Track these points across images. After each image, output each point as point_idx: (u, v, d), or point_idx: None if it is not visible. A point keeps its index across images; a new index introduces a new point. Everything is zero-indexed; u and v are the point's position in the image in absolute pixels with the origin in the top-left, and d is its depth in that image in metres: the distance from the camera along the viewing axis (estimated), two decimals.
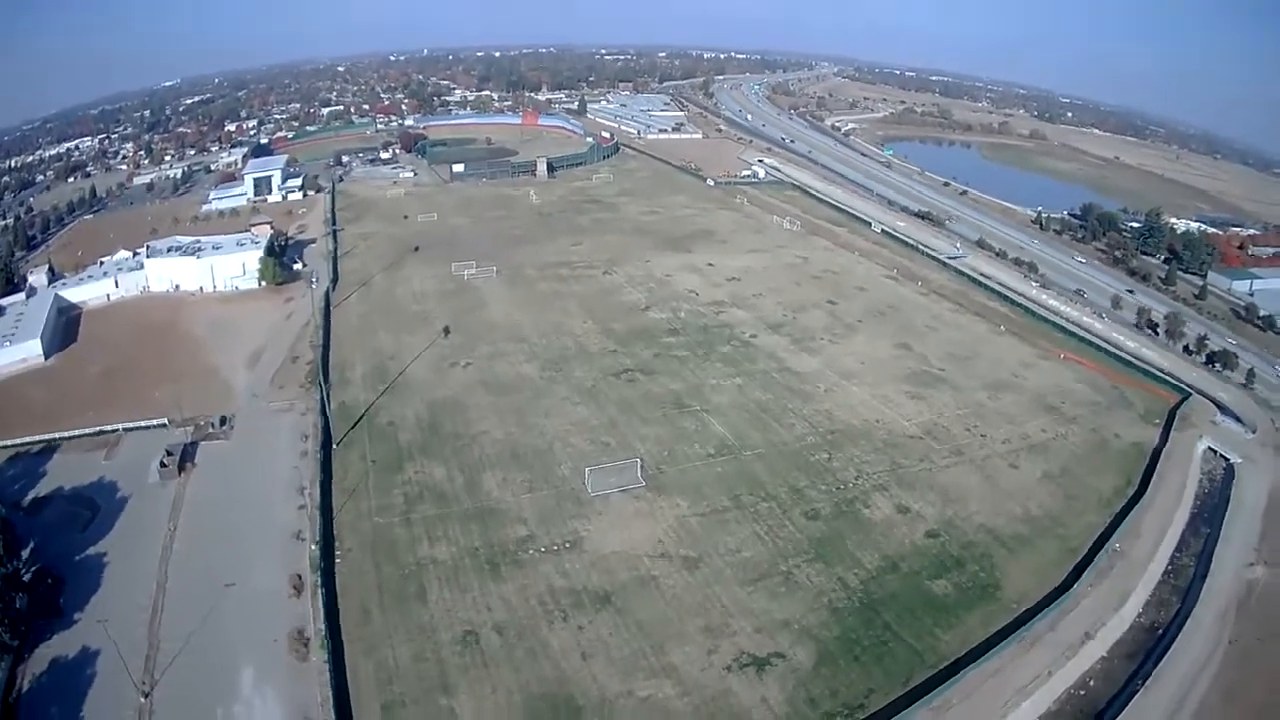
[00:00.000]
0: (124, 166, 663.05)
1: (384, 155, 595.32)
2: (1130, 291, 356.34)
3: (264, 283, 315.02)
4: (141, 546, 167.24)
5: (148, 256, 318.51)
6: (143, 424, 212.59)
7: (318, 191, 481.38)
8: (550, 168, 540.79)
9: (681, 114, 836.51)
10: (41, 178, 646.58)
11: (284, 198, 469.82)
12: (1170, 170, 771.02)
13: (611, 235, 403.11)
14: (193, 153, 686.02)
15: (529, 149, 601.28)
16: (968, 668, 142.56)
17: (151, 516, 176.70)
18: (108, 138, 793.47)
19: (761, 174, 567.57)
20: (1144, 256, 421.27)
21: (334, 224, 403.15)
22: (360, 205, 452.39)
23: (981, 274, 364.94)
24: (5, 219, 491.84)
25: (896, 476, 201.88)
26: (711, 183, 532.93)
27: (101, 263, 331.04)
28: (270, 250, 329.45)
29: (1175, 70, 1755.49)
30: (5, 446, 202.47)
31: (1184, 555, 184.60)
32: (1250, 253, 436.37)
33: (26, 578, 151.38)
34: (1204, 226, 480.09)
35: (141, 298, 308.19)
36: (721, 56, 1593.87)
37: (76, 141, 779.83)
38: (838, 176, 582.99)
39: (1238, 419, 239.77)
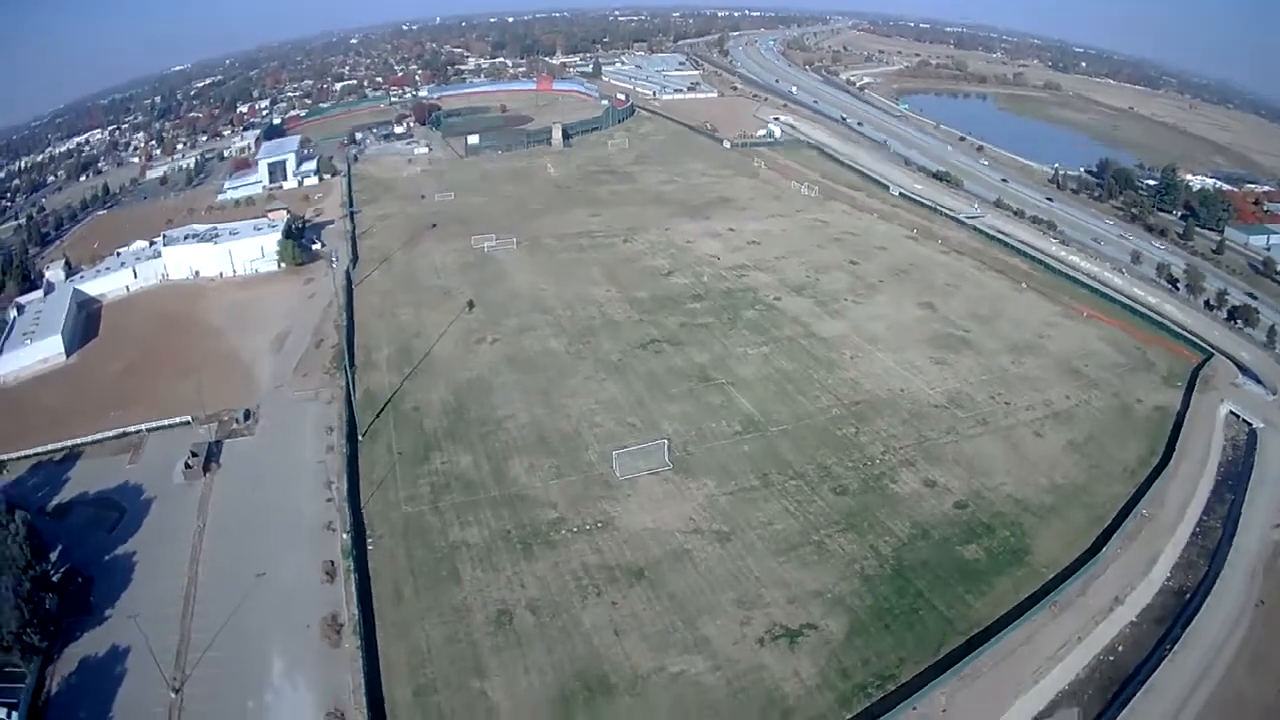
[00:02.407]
0: (136, 160, 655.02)
1: (398, 130, 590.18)
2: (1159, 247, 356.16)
3: (283, 264, 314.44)
4: (170, 544, 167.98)
5: (165, 245, 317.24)
6: (166, 423, 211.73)
7: (333, 175, 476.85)
8: (565, 135, 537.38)
9: (697, 73, 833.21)
10: (53, 178, 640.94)
11: (299, 183, 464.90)
12: (1184, 121, 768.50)
13: (630, 205, 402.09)
14: (205, 138, 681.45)
15: (544, 115, 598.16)
16: (998, 635, 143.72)
17: (179, 516, 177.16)
18: (118, 128, 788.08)
19: (778, 133, 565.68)
20: (1161, 213, 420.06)
21: (351, 206, 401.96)
22: (377, 186, 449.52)
23: (1001, 232, 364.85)
24: (19, 219, 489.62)
25: (923, 450, 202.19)
26: (728, 144, 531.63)
27: (119, 253, 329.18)
28: (288, 232, 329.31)
29: (1186, 19, 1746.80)
30: (26, 456, 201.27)
31: (1211, 519, 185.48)
32: (1266, 209, 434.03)
33: (56, 578, 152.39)
34: (1219, 183, 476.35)
35: (161, 286, 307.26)
36: (736, 14, 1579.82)
37: (86, 135, 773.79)
38: (853, 133, 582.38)
39: (1259, 380, 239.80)
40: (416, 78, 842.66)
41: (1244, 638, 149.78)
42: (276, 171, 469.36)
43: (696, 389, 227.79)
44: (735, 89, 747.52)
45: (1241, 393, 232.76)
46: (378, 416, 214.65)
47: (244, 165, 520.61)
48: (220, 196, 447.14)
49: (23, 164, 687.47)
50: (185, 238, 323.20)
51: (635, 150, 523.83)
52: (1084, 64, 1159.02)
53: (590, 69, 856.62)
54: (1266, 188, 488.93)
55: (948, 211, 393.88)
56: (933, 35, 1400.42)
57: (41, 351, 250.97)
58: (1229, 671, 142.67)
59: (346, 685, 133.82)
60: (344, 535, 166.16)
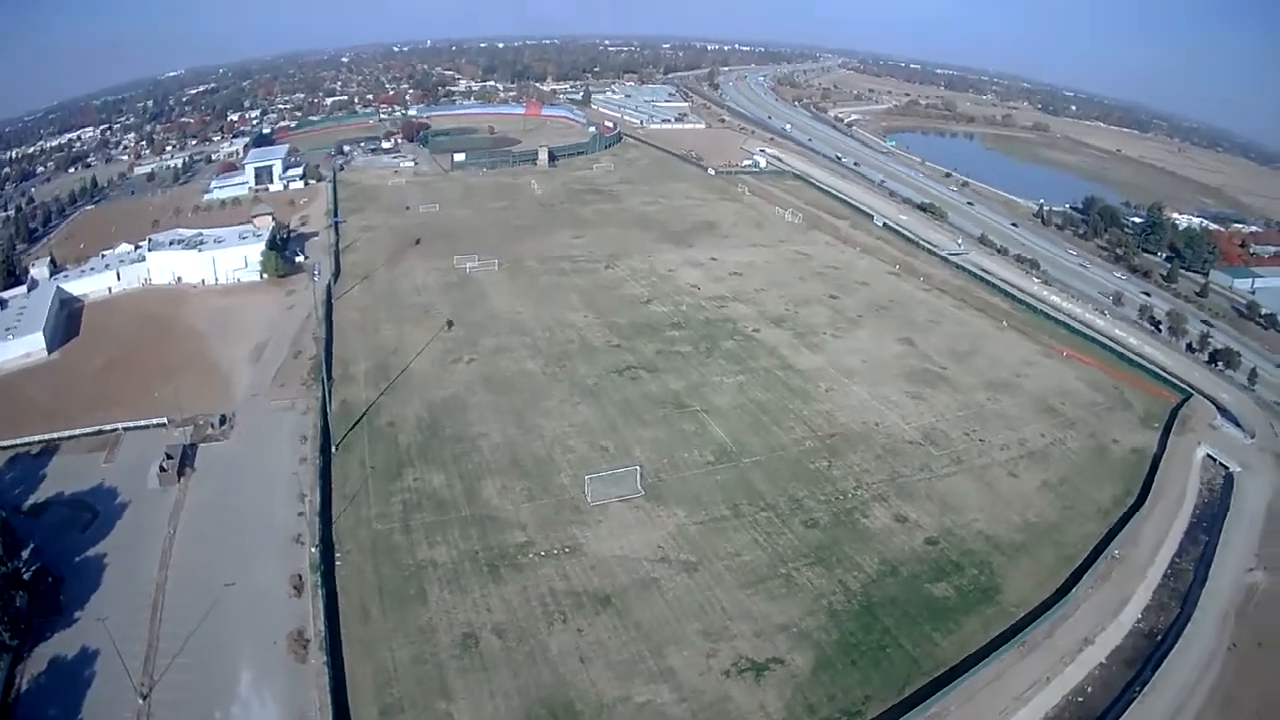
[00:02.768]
0: (125, 157, 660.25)
1: (385, 145, 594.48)
2: (1146, 294, 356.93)
3: (265, 275, 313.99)
4: (141, 548, 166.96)
5: (150, 250, 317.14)
6: (143, 423, 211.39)
7: (319, 180, 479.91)
8: (552, 157, 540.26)
9: (685, 105, 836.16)
10: (42, 169, 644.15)
11: (285, 187, 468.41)
12: (1172, 163, 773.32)
13: (613, 227, 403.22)
14: (194, 142, 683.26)
15: (532, 138, 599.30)
16: (966, 674, 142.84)
17: (151, 520, 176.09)
18: (109, 128, 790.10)
19: (763, 163, 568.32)
20: (1145, 254, 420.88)
21: (336, 215, 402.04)
22: (362, 195, 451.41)
23: (983, 270, 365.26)
24: (6, 210, 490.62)
25: (896, 486, 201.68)
26: (712, 171, 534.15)
27: (103, 255, 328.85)
28: (272, 243, 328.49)
29: (1177, 66, 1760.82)
30: (5, 447, 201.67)
31: (1183, 561, 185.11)
32: (1252, 251, 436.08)
33: (26, 576, 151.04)
34: (1206, 222, 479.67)
35: (143, 290, 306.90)
36: (726, 48, 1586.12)
37: (78, 132, 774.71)
38: (839, 166, 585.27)
39: (1237, 423, 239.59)
40: (407, 97, 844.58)
41: (1215, 681, 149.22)
42: (263, 174, 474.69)
43: (670, 415, 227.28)
44: (723, 121, 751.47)
45: (1219, 435, 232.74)
46: (352, 429, 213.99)
47: (231, 168, 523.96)
48: (206, 196, 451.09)
49: (13, 155, 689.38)
50: (171, 243, 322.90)
51: (620, 174, 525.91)
52: (1073, 107, 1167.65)
53: (580, 96, 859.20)
54: (1253, 228, 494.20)
55: (931, 247, 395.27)
56: (923, 76, 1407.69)
57: (23, 347, 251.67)
58: (1200, 715, 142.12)
59: (313, 702, 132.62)
60: (313, 549, 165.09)
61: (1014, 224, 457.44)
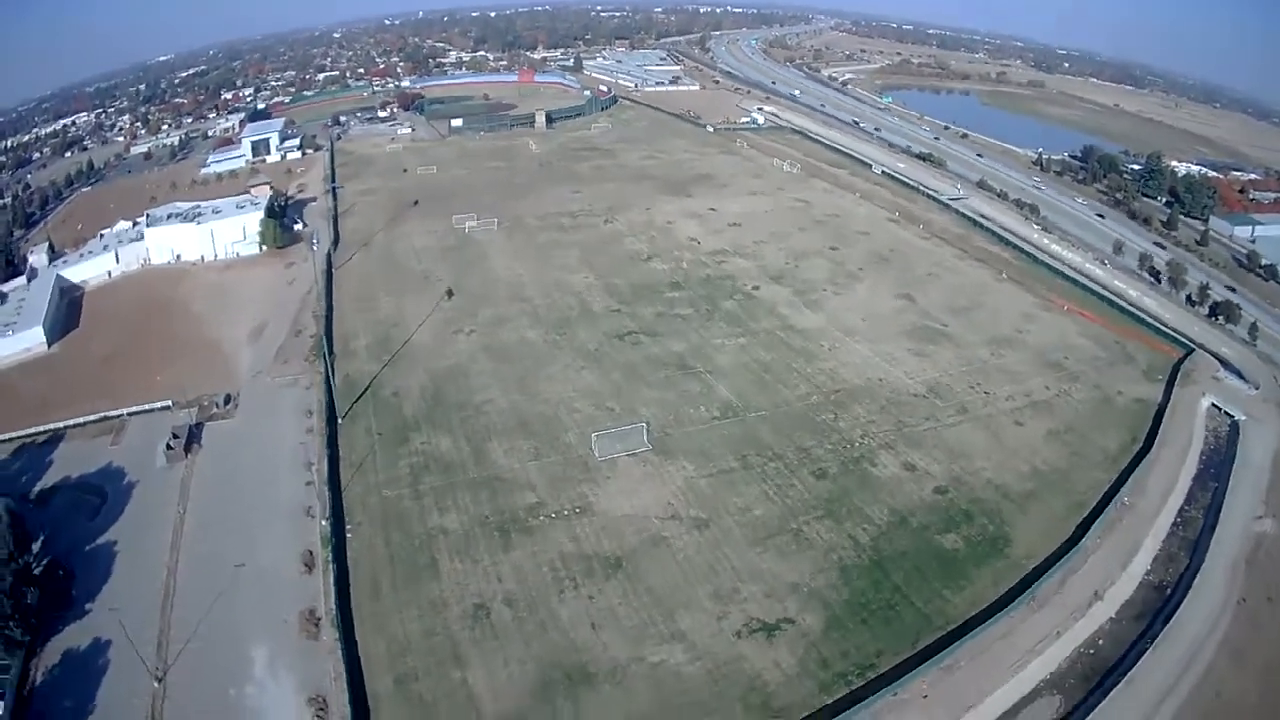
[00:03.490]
0: (120, 138, 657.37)
1: (382, 114, 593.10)
2: (1159, 244, 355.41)
3: (265, 247, 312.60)
4: (151, 532, 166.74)
5: (148, 225, 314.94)
6: (147, 407, 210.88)
7: (316, 150, 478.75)
8: (549, 119, 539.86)
9: (679, 68, 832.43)
10: (38, 155, 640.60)
11: (282, 158, 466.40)
12: (1170, 117, 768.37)
13: (611, 182, 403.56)
14: (190, 120, 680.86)
15: (527, 104, 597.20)
16: (977, 628, 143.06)
17: (160, 501, 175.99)
18: (104, 112, 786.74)
19: (761, 120, 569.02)
20: (1145, 199, 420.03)
21: (333, 181, 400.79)
22: (359, 162, 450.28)
23: (983, 216, 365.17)
24: (3, 197, 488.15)
25: (903, 435, 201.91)
26: (711, 129, 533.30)
27: (101, 235, 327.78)
28: (270, 211, 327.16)
29: (1171, 21, 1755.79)
30: (9, 439, 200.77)
31: (1192, 509, 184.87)
32: (1251, 197, 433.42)
33: (37, 571, 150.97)
34: (1205, 170, 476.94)
35: (143, 272, 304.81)
36: (718, 11, 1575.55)
37: (73, 117, 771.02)
38: (837, 122, 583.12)
39: (1241, 375, 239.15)
40: (399, 69, 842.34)
41: (1225, 635, 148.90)
42: (260, 147, 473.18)
43: (674, 377, 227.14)
44: (717, 83, 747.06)
45: (1223, 386, 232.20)
46: (357, 400, 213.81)
47: (227, 143, 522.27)
48: (204, 170, 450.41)
49: (9, 143, 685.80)
50: (169, 216, 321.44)
51: (618, 133, 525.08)
52: (1067, 64, 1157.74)
53: (571, 63, 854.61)
54: (1253, 175, 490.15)
55: (930, 192, 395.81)
56: (915, 36, 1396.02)
57: (23, 342, 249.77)
58: (1210, 667, 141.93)
59: (327, 674, 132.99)
60: (323, 523, 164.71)
61: (1036, 180, 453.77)
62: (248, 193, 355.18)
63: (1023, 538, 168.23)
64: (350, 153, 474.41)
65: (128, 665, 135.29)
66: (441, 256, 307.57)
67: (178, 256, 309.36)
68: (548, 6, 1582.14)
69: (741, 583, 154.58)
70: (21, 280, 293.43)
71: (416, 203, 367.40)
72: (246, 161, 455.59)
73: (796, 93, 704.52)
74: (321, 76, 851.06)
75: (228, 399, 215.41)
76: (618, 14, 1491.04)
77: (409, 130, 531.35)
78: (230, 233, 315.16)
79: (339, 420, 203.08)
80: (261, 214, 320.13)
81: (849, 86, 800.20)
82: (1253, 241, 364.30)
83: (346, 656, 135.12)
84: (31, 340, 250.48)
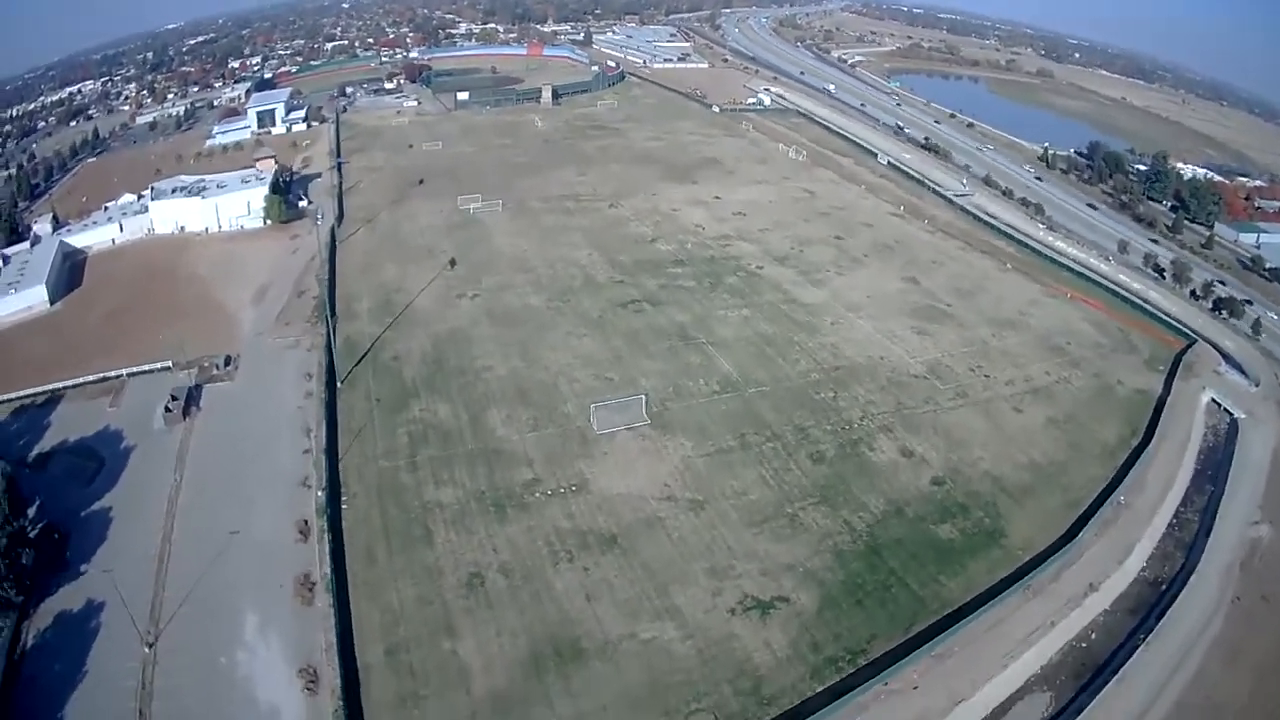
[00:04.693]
0: (126, 107, 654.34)
1: (388, 86, 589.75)
2: (1154, 241, 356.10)
3: (269, 221, 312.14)
4: (147, 497, 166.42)
5: (153, 199, 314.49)
6: (147, 368, 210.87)
7: (321, 122, 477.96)
8: (555, 95, 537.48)
9: (688, 44, 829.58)
10: (43, 124, 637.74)
11: (288, 129, 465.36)
12: (1177, 114, 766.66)
13: (617, 165, 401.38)
14: (196, 89, 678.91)
15: (534, 78, 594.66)
16: (971, 615, 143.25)
17: (157, 466, 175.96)
18: (110, 80, 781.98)
19: (767, 101, 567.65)
20: (1150, 202, 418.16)
21: (339, 157, 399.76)
22: (365, 135, 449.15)
23: (988, 214, 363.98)
24: (8, 168, 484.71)
25: (901, 418, 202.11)
26: (717, 109, 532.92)
27: (106, 208, 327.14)
28: (275, 187, 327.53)
29: (1181, 16, 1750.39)
30: (8, 400, 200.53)
31: (1188, 510, 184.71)
32: (1257, 205, 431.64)
33: (32, 534, 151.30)
34: (1210, 174, 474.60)
35: (147, 240, 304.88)
36: None
37: (79, 85, 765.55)
38: (843, 105, 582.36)
39: (1241, 370, 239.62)
40: (408, 40, 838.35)
41: (1219, 633, 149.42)
42: (265, 118, 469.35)
43: (676, 347, 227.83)
44: (726, 61, 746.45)
45: (1224, 381, 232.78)
46: (357, 364, 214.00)
47: (233, 113, 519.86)
48: (209, 141, 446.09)
49: (14, 112, 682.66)
50: (173, 191, 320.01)
51: (624, 111, 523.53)
52: (1077, 55, 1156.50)
53: (581, 37, 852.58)
54: (1258, 182, 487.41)
55: (935, 187, 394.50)
56: (925, 20, 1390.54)
57: (25, 300, 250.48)
58: (1202, 666, 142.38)
59: (319, 644, 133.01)
60: (319, 494, 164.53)
61: (1037, 177, 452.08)
62: (253, 166, 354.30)
63: (1018, 532, 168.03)
64: (356, 125, 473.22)
65: (120, 628, 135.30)
66: (446, 233, 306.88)
67: (182, 228, 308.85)
68: None
69: (737, 560, 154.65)
70: (24, 246, 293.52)
71: (421, 181, 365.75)
72: (252, 133, 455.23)
73: (805, 75, 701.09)
74: (330, 46, 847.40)
75: (228, 360, 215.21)
76: None
77: (415, 103, 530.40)
78: (235, 207, 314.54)
79: (339, 384, 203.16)
80: (266, 189, 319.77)
81: (858, 69, 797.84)
82: (1257, 248, 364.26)
83: (339, 624, 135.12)
84: (34, 299, 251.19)
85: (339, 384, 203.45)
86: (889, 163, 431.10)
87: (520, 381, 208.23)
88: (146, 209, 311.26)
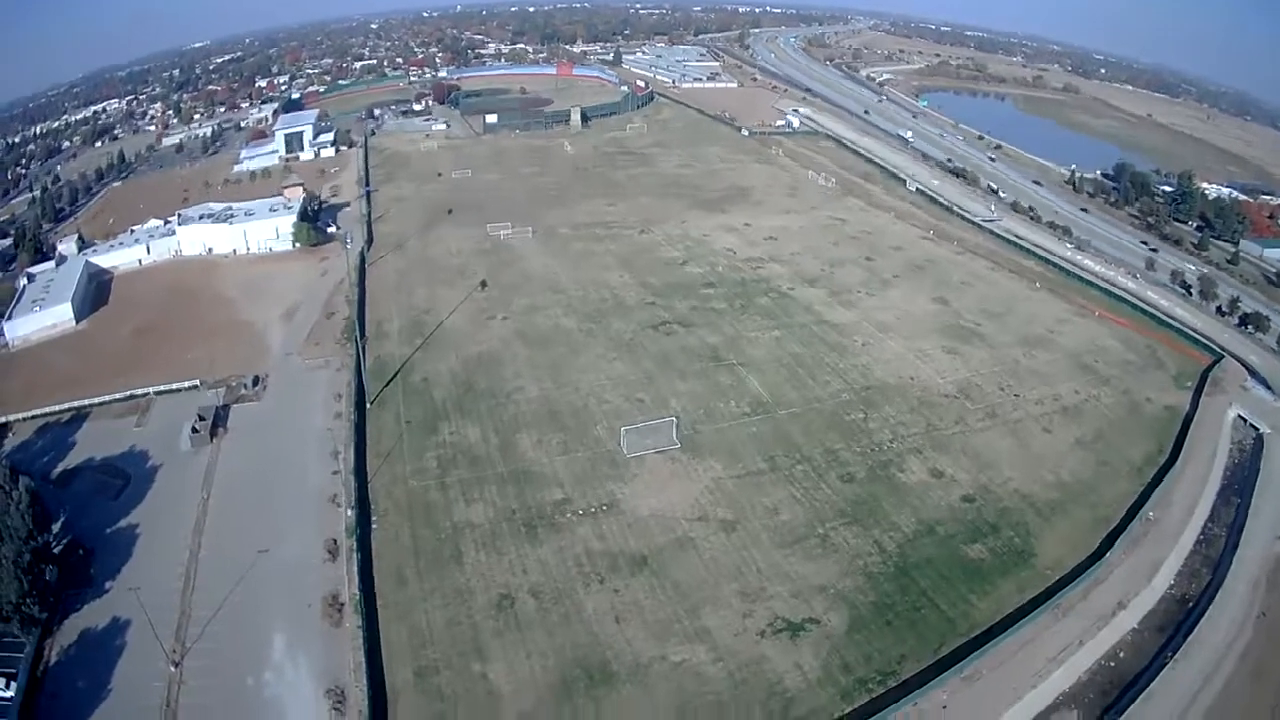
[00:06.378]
0: (152, 127, 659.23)
1: (416, 107, 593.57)
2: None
3: (298, 245, 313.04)
4: (174, 515, 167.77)
5: (180, 224, 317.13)
6: (174, 387, 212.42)
7: (350, 147, 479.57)
8: (584, 117, 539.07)
9: (717, 64, 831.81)
10: (68, 144, 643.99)
11: (316, 154, 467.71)
12: (1201, 130, 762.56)
13: (645, 195, 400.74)
14: (223, 110, 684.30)
15: (563, 98, 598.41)
16: (1000, 635, 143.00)
17: (184, 484, 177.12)
18: (136, 99, 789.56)
19: (796, 124, 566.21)
20: (1176, 223, 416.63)
21: (368, 184, 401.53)
22: (393, 162, 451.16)
23: (1017, 236, 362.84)
24: (33, 190, 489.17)
25: (931, 439, 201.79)
26: (746, 133, 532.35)
27: (133, 230, 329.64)
28: (304, 215, 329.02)
29: (1205, 30, 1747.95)
30: (34, 417, 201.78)
31: (1215, 526, 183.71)
32: None
33: (57, 550, 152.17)
34: (1235, 193, 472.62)
35: (174, 261, 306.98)
36: (757, 10, 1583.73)
37: (104, 104, 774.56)
38: (871, 127, 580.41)
39: (1267, 385, 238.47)
40: (436, 60, 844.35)
41: (1245, 649, 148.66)
42: (293, 142, 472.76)
43: (706, 369, 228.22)
44: (755, 80, 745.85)
45: (1250, 397, 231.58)
46: (387, 385, 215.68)
47: (261, 135, 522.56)
48: (236, 168, 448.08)
49: (39, 130, 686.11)
50: (201, 218, 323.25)
51: (653, 135, 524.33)
52: (1103, 70, 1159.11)
53: (611, 57, 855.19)
54: None
55: (963, 213, 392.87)
56: (953, 38, 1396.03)
57: (51, 317, 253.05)
58: (1229, 683, 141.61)
59: (347, 665, 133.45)
60: (348, 512, 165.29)
61: (1067, 202, 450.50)
62: (281, 194, 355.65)
63: (1048, 551, 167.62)
64: (384, 150, 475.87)
65: (145, 646, 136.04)
66: (476, 257, 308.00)
67: (210, 250, 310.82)
68: (585, 3, 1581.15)
69: (768, 582, 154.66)
70: (50, 265, 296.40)
71: (451, 211, 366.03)
72: (280, 158, 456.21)
73: (832, 94, 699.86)
74: (358, 65, 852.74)
75: (256, 380, 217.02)
76: (657, 10, 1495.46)
77: (444, 126, 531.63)
78: (263, 233, 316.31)
79: (368, 405, 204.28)
80: (294, 218, 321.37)
81: (886, 88, 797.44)
82: None
83: (367, 645, 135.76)
84: (59, 316, 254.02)
85: (368, 405, 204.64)
86: (917, 189, 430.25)
87: (551, 403, 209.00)
88: (174, 232, 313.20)
